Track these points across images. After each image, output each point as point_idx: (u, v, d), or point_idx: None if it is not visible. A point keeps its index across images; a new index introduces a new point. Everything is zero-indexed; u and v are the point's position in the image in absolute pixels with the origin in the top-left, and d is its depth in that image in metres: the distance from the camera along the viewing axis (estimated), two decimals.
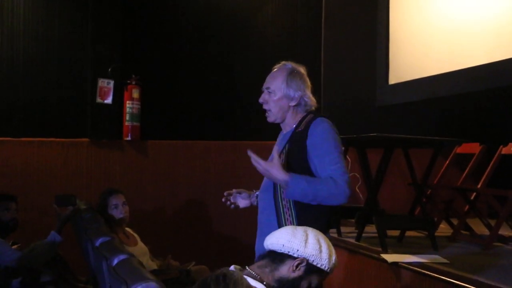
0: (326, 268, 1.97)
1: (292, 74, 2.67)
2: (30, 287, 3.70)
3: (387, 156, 4.36)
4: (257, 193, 2.84)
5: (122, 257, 2.20)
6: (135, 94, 5.34)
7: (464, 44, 5.00)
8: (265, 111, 2.69)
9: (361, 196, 5.75)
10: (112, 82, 5.33)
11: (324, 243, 2.00)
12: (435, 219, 4.61)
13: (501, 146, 4.44)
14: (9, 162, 5.04)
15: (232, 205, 2.93)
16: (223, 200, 2.90)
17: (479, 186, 4.40)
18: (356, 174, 5.77)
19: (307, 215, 2.52)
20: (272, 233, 1.99)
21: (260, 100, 2.68)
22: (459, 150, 5.02)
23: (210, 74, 5.82)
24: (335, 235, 4.59)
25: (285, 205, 2.57)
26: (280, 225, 2.52)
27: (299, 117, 2.65)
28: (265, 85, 2.69)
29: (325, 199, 2.47)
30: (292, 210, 2.55)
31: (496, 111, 5.41)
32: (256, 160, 2.44)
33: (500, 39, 4.58)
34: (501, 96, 5.05)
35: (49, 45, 5.35)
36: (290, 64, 2.73)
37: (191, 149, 5.56)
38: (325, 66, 6.00)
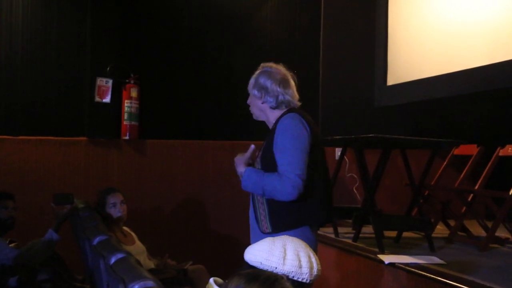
0: (307, 281, 1.94)
1: (261, 73, 2.82)
2: (27, 286, 3.70)
3: (384, 157, 4.37)
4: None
5: (119, 255, 2.21)
6: (134, 93, 5.34)
7: (463, 46, 5.01)
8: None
9: (358, 196, 5.77)
10: (110, 81, 5.33)
11: (304, 256, 1.95)
12: (432, 220, 4.62)
13: (499, 148, 4.45)
14: (7, 160, 5.03)
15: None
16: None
17: (476, 187, 4.41)
18: (354, 174, 5.79)
19: (279, 209, 2.65)
20: (250, 247, 1.97)
21: (248, 101, 2.90)
22: (456, 151, 5.03)
23: (209, 73, 5.82)
24: (332, 235, 4.61)
25: (259, 200, 2.72)
26: (257, 220, 2.73)
27: (278, 114, 2.78)
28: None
29: (272, 194, 2.62)
30: (265, 205, 2.70)
31: (494, 113, 5.42)
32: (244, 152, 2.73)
33: (498, 41, 4.59)
34: (499, 98, 5.06)
35: (48, 44, 5.34)
36: (266, 67, 2.85)
37: (189, 148, 5.56)
38: (323, 66, 6.01)
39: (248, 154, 2.71)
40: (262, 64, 2.88)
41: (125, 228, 4.10)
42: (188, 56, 5.78)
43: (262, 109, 2.81)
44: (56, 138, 5.21)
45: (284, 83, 2.79)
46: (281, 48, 5.97)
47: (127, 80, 5.34)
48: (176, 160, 5.51)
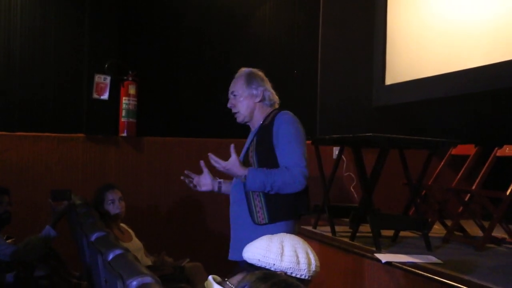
0: (306, 277, 1.95)
1: (250, 75, 2.94)
2: (24, 282, 3.69)
3: (382, 156, 4.37)
4: (219, 180, 3.03)
5: (117, 252, 2.21)
6: (132, 90, 5.34)
7: (461, 46, 5.01)
8: (234, 114, 2.95)
9: (355, 195, 5.77)
10: (108, 78, 5.32)
11: (302, 252, 1.96)
12: (429, 219, 4.63)
13: (496, 148, 4.46)
14: (4, 156, 5.03)
15: (191, 184, 3.08)
16: (182, 178, 3.10)
17: (473, 187, 4.41)
18: (351, 173, 5.79)
19: (276, 199, 2.73)
20: (248, 245, 1.98)
21: (229, 105, 2.96)
22: (454, 151, 5.03)
23: (207, 71, 5.81)
24: (329, 234, 4.61)
25: (254, 195, 2.77)
26: (251, 214, 2.76)
27: (265, 113, 2.90)
28: (230, 91, 2.96)
29: (281, 188, 2.69)
30: (261, 196, 2.75)
31: (491, 113, 5.43)
32: (216, 161, 2.72)
33: (497, 41, 4.60)
34: (497, 99, 5.07)
35: (46, 40, 5.33)
36: (248, 69, 2.99)
37: (187, 146, 5.56)
38: (321, 65, 6.01)
39: (234, 155, 2.70)
40: (243, 69, 3.00)
41: (122, 225, 4.10)
42: (186, 53, 5.78)
43: (251, 107, 2.90)
44: (54, 134, 5.21)
45: (266, 82, 2.95)
46: (279, 47, 5.97)
47: (125, 77, 5.34)
48: (173, 157, 5.51)
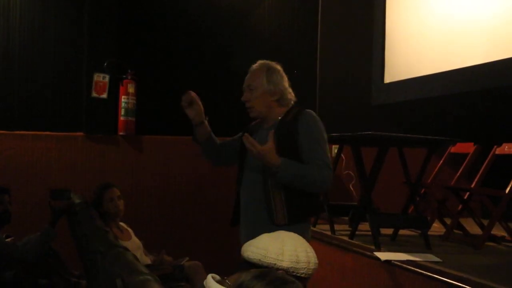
0: (306, 275, 1.96)
1: (271, 70, 2.84)
2: (23, 281, 3.69)
3: (381, 154, 4.37)
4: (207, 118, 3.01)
5: (116, 250, 2.21)
6: (131, 89, 5.34)
7: (460, 44, 5.01)
8: (247, 108, 2.86)
9: (355, 194, 5.77)
10: (107, 77, 5.32)
11: (301, 251, 1.97)
12: (429, 218, 4.63)
13: (495, 146, 4.45)
14: (3, 155, 5.02)
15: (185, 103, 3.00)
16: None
17: (472, 185, 4.42)
18: (350, 172, 5.79)
19: (295, 200, 2.68)
20: (248, 243, 1.98)
21: (243, 99, 2.86)
22: (453, 149, 5.03)
23: (206, 69, 5.81)
24: (329, 233, 4.61)
25: (275, 190, 2.69)
26: (271, 215, 2.68)
27: (284, 110, 2.82)
28: (246, 84, 2.86)
29: (308, 185, 2.64)
30: (282, 196, 2.68)
31: (491, 111, 5.42)
32: (252, 144, 2.56)
33: (496, 39, 4.60)
34: (496, 97, 5.06)
35: (45, 39, 5.33)
36: (268, 62, 2.89)
37: (186, 144, 5.53)
38: (321, 64, 6.01)
39: (272, 142, 2.57)
40: (262, 62, 2.89)
41: (121, 223, 4.10)
42: (186, 52, 5.78)
43: (267, 104, 2.81)
44: (53, 133, 5.21)
45: (285, 79, 2.87)
46: (278, 46, 5.97)
47: (124, 76, 5.34)
48: (173, 156, 5.51)
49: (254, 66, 2.90)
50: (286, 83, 2.85)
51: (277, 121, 2.79)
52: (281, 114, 2.81)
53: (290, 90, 2.86)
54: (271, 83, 2.80)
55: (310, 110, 2.80)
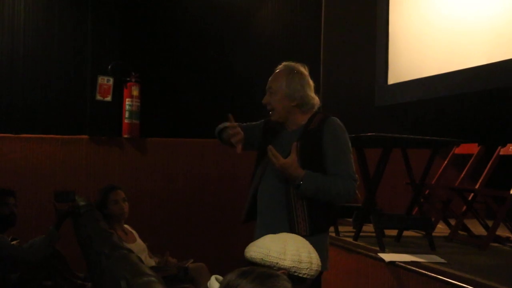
0: (308, 276, 1.96)
1: (292, 74, 2.73)
2: (28, 283, 3.70)
3: (385, 155, 4.36)
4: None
5: (121, 252, 2.21)
6: (135, 91, 5.35)
7: (463, 45, 5.01)
8: (268, 110, 2.75)
9: (359, 195, 5.76)
10: (112, 80, 5.34)
11: (304, 251, 1.97)
12: (433, 219, 4.62)
13: (499, 147, 4.45)
14: (9, 158, 5.04)
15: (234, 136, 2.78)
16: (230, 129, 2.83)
17: (477, 186, 4.41)
18: None
19: (317, 212, 2.61)
20: (251, 244, 1.98)
21: (263, 101, 2.75)
22: (457, 150, 5.02)
23: (210, 72, 5.82)
24: (333, 234, 4.61)
25: (297, 201, 2.61)
26: (291, 224, 2.60)
27: (307, 116, 2.72)
28: (267, 86, 2.76)
29: (333, 198, 2.59)
30: (304, 206, 2.60)
31: (494, 111, 5.42)
32: (275, 156, 2.52)
33: (500, 40, 4.59)
34: (500, 97, 5.06)
35: (49, 42, 5.35)
36: (292, 65, 2.79)
37: (190, 147, 5.57)
38: (324, 65, 6.01)
39: (295, 155, 2.52)
40: (287, 64, 2.79)
41: (126, 226, 4.10)
42: (189, 54, 5.79)
43: (287, 108, 2.70)
44: (57, 136, 5.22)
45: (311, 86, 2.76)
46: (281, 47, 5.97)
47: (128, 79, 5.35)
48: (177, 158, 5.52)
49: (278, 67, 2.80)
50: (308, 87, 2.73)
51: (301, 127, 2.70)
52: (304, 120, 2.71)
53: (313, 95, 2.73)
54: (290, 87, 2.68)
55: (335, 118, 2.72)
